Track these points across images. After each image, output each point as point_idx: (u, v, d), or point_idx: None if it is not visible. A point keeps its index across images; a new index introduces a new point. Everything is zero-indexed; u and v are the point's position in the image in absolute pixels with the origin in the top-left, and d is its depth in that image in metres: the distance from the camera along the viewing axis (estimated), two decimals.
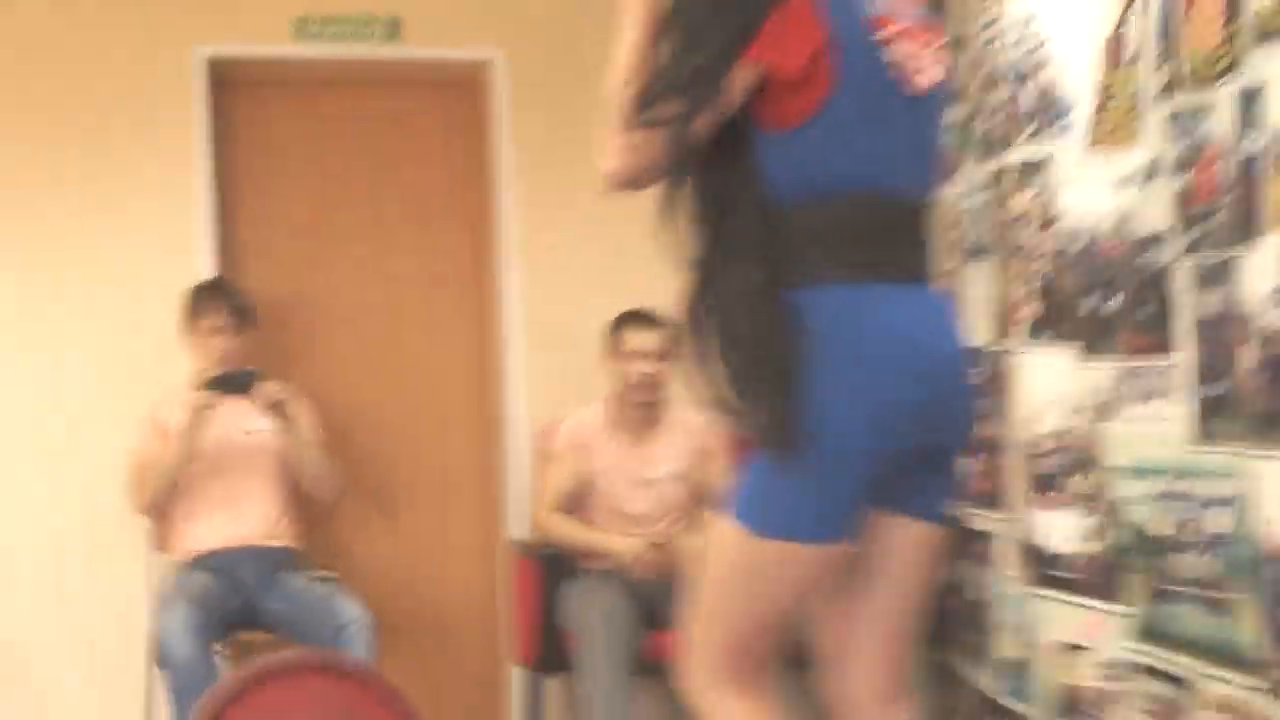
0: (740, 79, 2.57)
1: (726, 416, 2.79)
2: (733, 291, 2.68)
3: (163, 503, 5.30)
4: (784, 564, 2.71)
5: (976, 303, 5.33)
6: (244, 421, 5.35)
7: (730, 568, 2.75)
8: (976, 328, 5.31)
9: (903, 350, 2.71)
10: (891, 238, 2.72)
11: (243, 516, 5.33)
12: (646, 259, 5.57)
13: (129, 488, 5.28)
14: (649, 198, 5.55)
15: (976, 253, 5.36)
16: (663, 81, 2.60)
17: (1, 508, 5.65)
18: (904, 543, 2.87)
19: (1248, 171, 3.69)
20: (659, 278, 5.46)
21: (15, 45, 5.61)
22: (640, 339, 5.29)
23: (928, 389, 2.73)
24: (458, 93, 6.08)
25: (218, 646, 5.01)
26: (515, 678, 5.77)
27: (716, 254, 2.72)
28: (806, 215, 2.64)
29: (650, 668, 5.06)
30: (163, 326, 5.41)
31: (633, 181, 2.69)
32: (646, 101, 2.60)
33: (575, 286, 5.76)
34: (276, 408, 5.21)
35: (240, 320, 5.30)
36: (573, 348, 5.65)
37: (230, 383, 5.14)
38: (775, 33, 2.53)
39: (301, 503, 5.45)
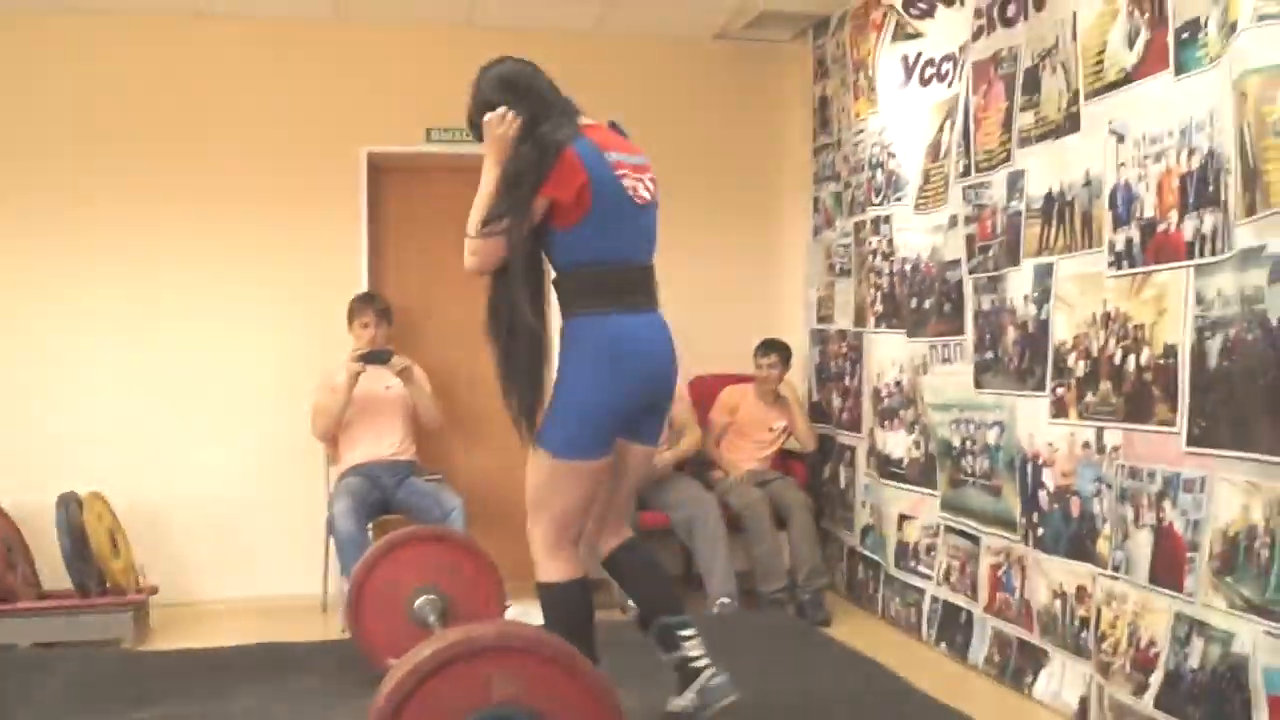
0: (540, 204, 2.94)
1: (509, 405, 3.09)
2: (523, 325, 2.99)
3: (331, 433, 5.36)
4: (577, 473, 2.96)
5: (845, 304, 5.49)
6: (382, 381, 5.32)
7: (548, 478, 2.96)
8: (844, 319, 5.51)
9: (637, 346, 3.06)
10: (629, 286, 3.05)
11: (382, 441, 5.36)
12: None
13: (312, 423, 5.36)
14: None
15: (844, 273, 5.50)
16: (497, 209, 2.94)
17: (232, 442, 5.67)
18: (635, 456, 3.18)
19: (1012, 223, 3.98)
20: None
21: (240, 140, 5.63)
22: None
23: (651, 367, 3.10)
24: None
25: (368, 525, 5.04)
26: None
27: (518, 302, 3.00)
28: (577, 276, 3.00)
29: (641, 533, 5.25)
30: (334, 323, 5.45)
31: (484, 267, 2.98)
32: (489, 220, 2.94)
33: None
34: (404, 373, 5.34)
35: (382, 318, 5.41)
36: None
37: (374, 357, 5.27)
38: (557, 178, 2.91)
39: (419, 432, 5.56)
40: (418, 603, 3.90)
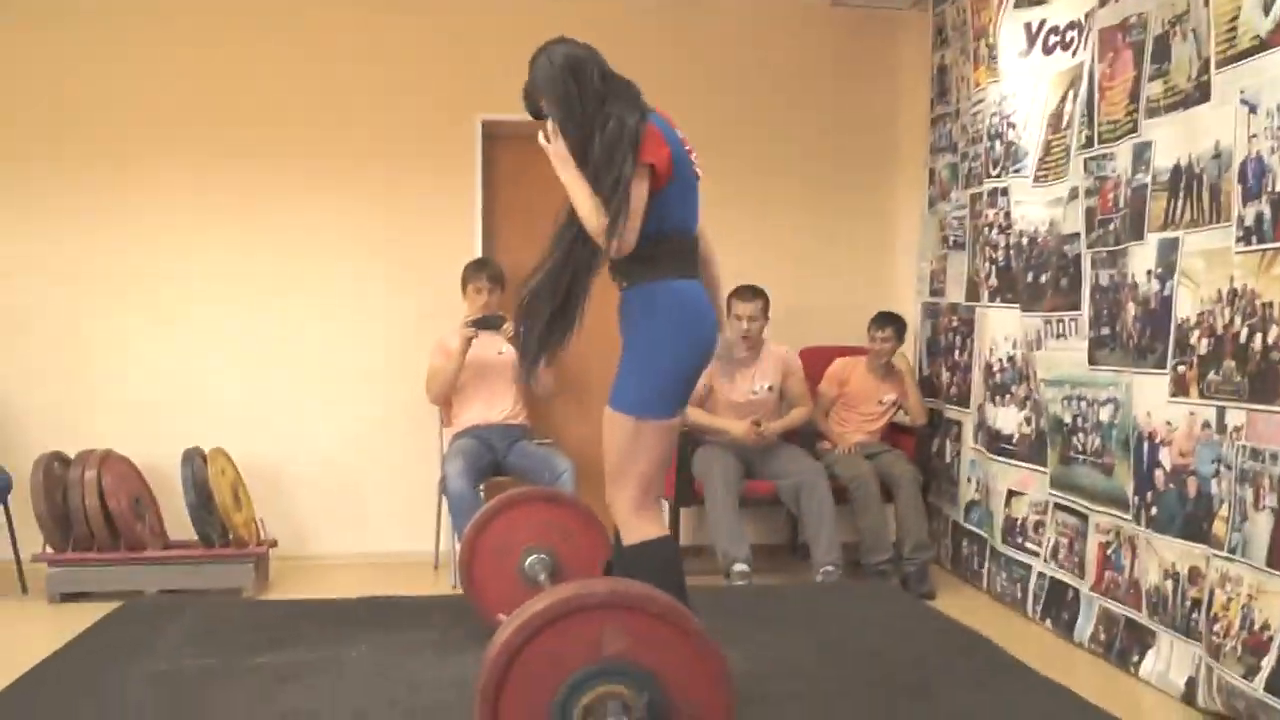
0: (643, 172, 2.93)
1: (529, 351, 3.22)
2: (583, 288, 3.15)
3: (445, 396, 5.43)
4: (659, 432, 2.97)
5: (958, 276, 5.44)
6: (495, 347, 5.35)
7: (632, 440, 2.95)
8: (956, 292, 5.46)
9: (707, 312, 3.08)
10: (694, 255, 3.12)
11: (494, 405, 5.42)
12: (748, 256, 5.77)
13: (426, 386, 5.42)
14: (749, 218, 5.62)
15: (957, 246, 5.44)
16: (615, 193, 2.91)
17: (349, 404, 5.79)
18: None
19: (1136, 196, 3.90)
20: (754, 266, 5.73)
21: (357, 108, 5.72)
22: (743, 305, 5.33)
23: (713, 333, 3.09)
24: None
25: (480, 486, 5.12)
26: (664, 507, 5.51)
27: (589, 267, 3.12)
28: (659, 244, 2.99)
29: (749, 502, 5.28)
30: (449, 289, 5.53)
31: (631, 245, 2.93)
32: (614, 206, 2.91)
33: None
34: (515, 338, 5.36)
35: (495, 284, 5.49)
36: None
37: (486, 322, 5.31)
38: (649, 147, 2.93)
39: (530, 397, 5.67)
40: (528, 561, 3.97)
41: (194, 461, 5.07)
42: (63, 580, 4.91)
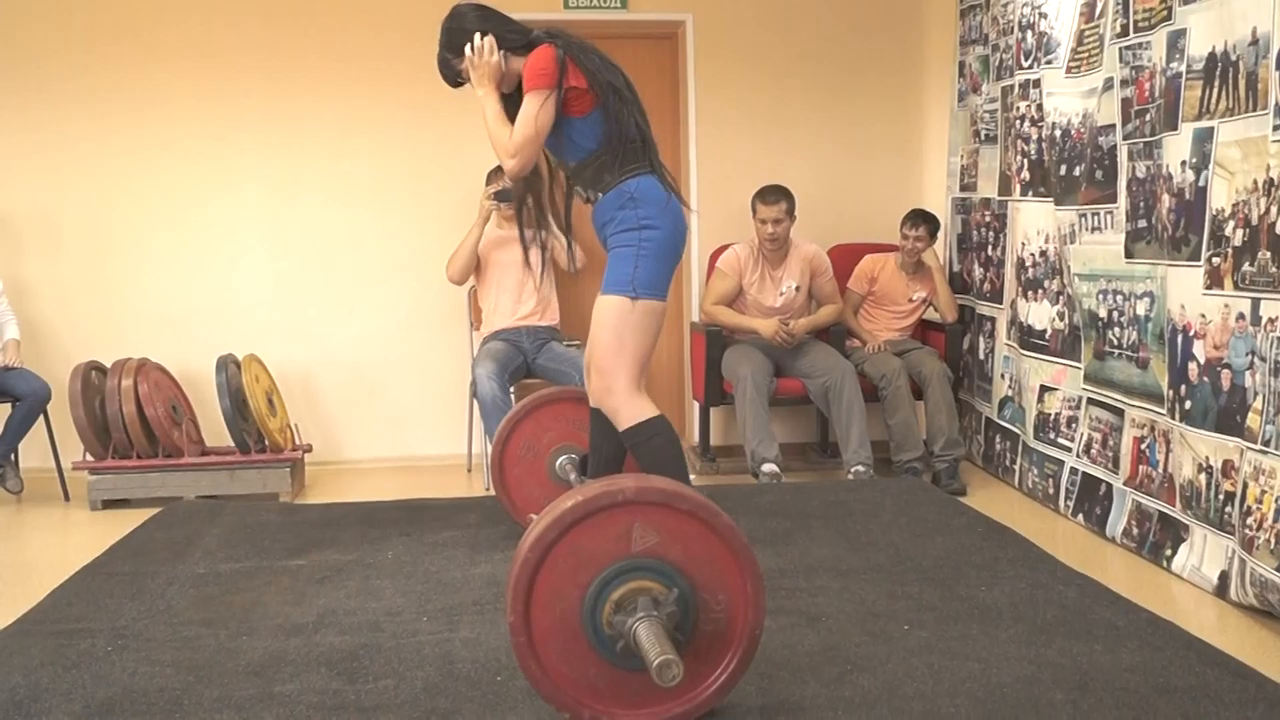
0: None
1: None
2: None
3: (465, 274, 5.41)
4: (653, 313, 3.08)
5: (989, 171, 5.34)
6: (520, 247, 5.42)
7: (626, 322, 3.03)
8: (988, 187, 5.36)
9: (676, 202, 3.16)
10: (650, 153, 3.19)
11: (521, 304, 5.40)
12: (774, 154, 5.71)
13: (448, 265, 5.40)
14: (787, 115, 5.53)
15: (989, 140, 5.34)
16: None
17: (378, 308, 5.81)
18: None
19: (1171, 85, 3.79)
20: (781, 165, 5.64)
21: (378, 11, 5.66)
22: (767, 209, 5.25)
23: (684, 219, 3.19)
24: (664, 42, 6.05)
25: (510, 388, 5.11)
26: (694, 408, 5.88)
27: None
28: (613, 149, 3.13)
29: (779, 401, 5.29)
30: (475, 190, 5.48)
31: (526, 168, 3.14)
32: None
33: (731, 170, 5.77)
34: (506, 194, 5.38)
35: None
36: (728, 204, 5.75)
37: (507, 194, 5.13)
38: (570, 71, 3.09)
39: (558, 296, 5.56)
40: (559, 461, 3.98)
41: (228, 368, 5.09)
42: (103, 487, 4.98)
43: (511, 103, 3.22)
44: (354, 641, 3.03)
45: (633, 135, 3.13)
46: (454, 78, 3.31)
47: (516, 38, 3.23)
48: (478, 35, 3.19)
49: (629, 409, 3.04)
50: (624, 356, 3.05)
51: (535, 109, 3.06)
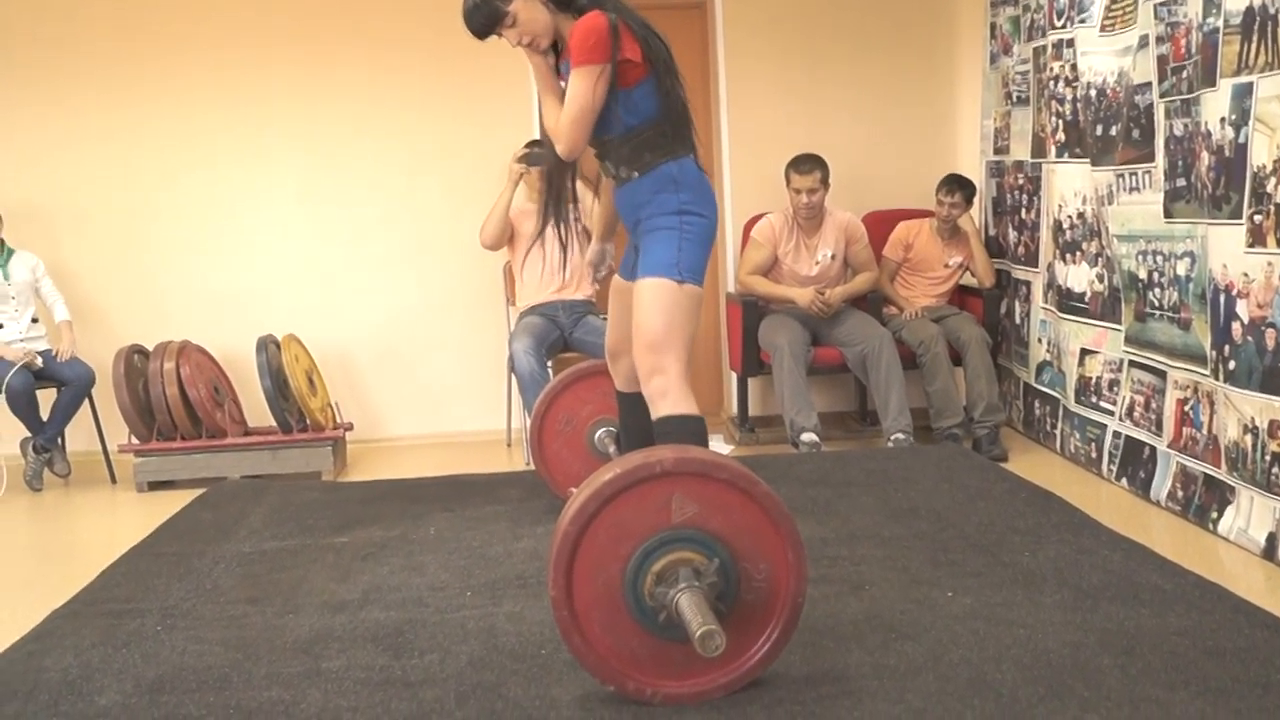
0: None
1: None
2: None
3: (497, 237, 5.35)
4: (696, 299, 2.88)
5: (1022, 133, 5.26)
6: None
7: (675, 308, 2.81)
8: (1021, 149, 5.27)
9: (710, 187, 3.00)
10: (689, 133, 3.00)
11: (555, 276, 5.34)
12: (806, 122, 5.67)
13: (480, 230, 5.35)
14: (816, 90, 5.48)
15: (1022, 101, 5.25)
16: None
17: (415, 286, 5.80)
18: None
19: (1209, 41, 3.71)
20: (813, 133, 5.58)
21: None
22: (801, 179, 5.19)
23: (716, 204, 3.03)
24: (694, 12, 6.01)
25: (548, 362, 5.12)
26: (732, 379, 5.87)
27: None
28: (660, 127, 2.91)
29: (817, 370, 5.26)
30: (500, 166, 5.45)
31: (579, 149, 2.91)
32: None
33: (763, 138, 5.71)
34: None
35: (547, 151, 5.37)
36: (761, 173, 5.68)
37: (535, 157, 5.19)
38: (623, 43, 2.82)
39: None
40: (598, 434, 3.97)
41: (268, 349, 5.11)
42: (149, 469, 5.02)
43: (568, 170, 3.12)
44: (399, 617, 3.03)
45: (680, 112, 2.94)
46: (490, 25, 2.95)
47: None
48: None
49: (677, 396, 2.77)
50: (673, 344, 2.80)
51: (588, 87, 2.80)
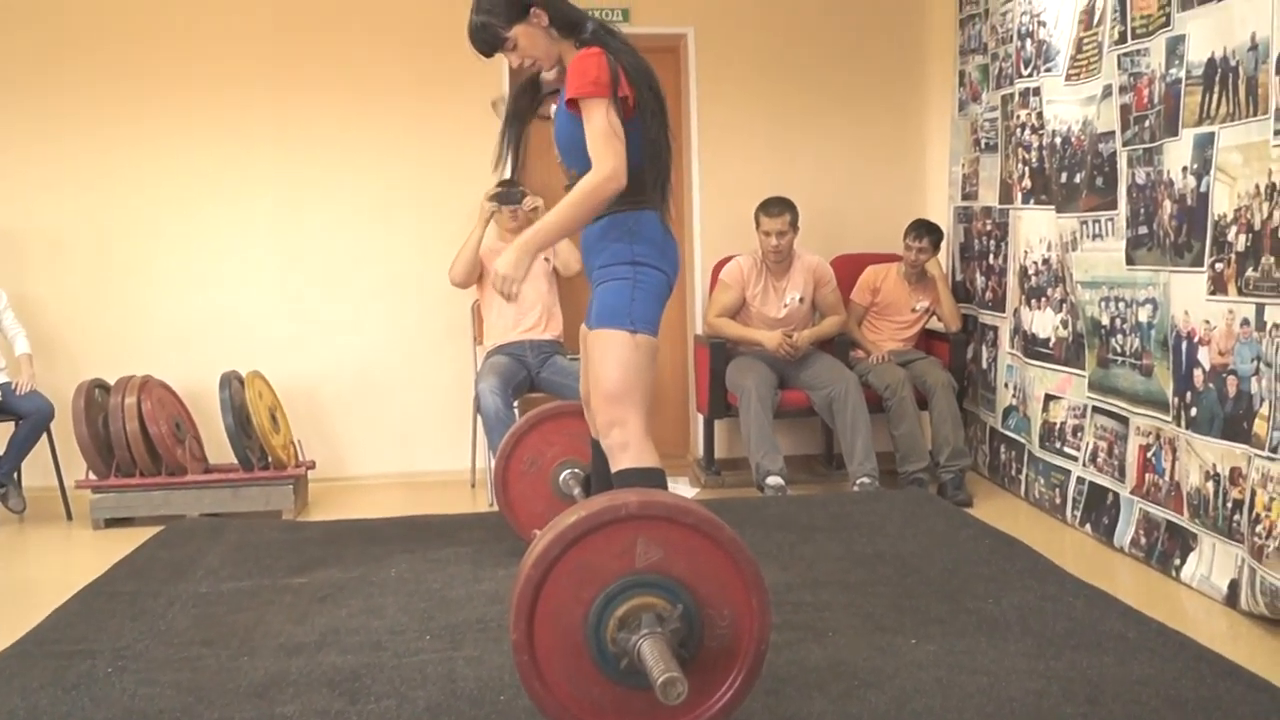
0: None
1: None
2: None
3: (466, 275, 5.32)
4: (652, 350, 2.82)
5: (990, 179, 5.31)
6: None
7: (633, 359, 2.75)
8: (989, 195, 5.32)
9: (672, 240, 2.93)
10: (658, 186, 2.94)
11: (524, 317, 5.36)
12: (776, 165, 5.71)
13: (450, 268, 5.33)
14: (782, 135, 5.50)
15: (989, 148, 5.30)
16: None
17: (381, 324, 5.76)
18: None
19: (1171, 91, 3.76)
20: (784, 176, 5.61)
21: (383, 29, 5.62)
22: (771, 221, 5.20)
23: (678, 256, 2.95)
24: (666, 55, 6.00)
25: (514, 402, 5.08)
26: (698, 420, 5.85)
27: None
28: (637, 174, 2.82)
29: (783, 413, 5.24)
30: (478, 207, 5.36)
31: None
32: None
33: (733, 180, 5.72)
34: (535, 213, 5.27)
35: (522, 194, 5.37)
36: (731, 215, 5.69)
37: (506, 196, 5.27)
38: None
39: (560, 312, 5.53)
40: (562, 476, 3.94)
41: (231, 385, 5.06)
42: (106, 506, 4.95)
43: (532, 91, 3.08)
44: (356, 661, 2.99)
45: (658, 164, 2.89)
46: (494, 46, 2.93)
47: (570, 13, 2.94)
48: (532, 7, 2.88)
49: (637, 449, 2.73)
50: (632, 397, 2.75)
51: (601, 114, 2.73)
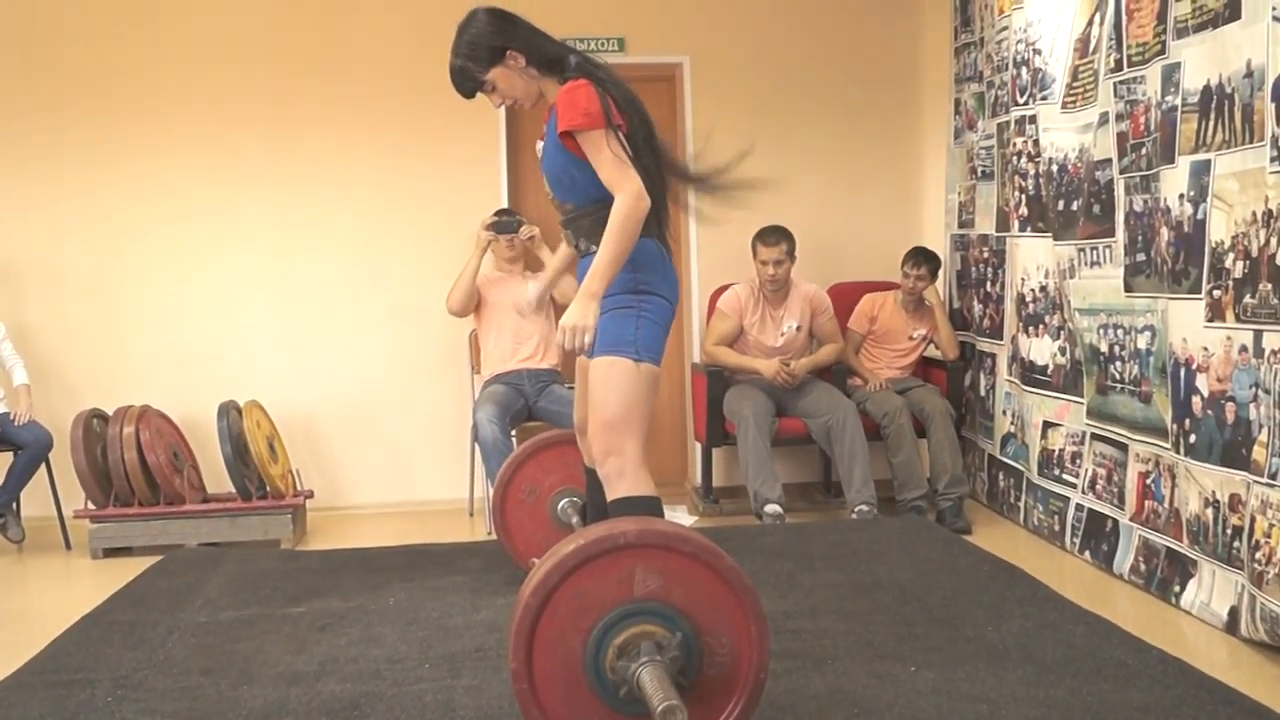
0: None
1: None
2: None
3: (464, 303, 5.32)
4: (654, 379, 2.80)
5: (987, 207, 5.32)
6: (521, 287, 5.11)
7: (635, 387, 2.75)
8: (985, 223, 5.34)
9: (672, 267, 2.95)
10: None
11: (521, 346, 5.36)
12: (773, 194, 5.72)
13: (447, 297, 5.33)
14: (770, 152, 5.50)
15: (986, 176, 5.32)
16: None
17: (379, 354, 5.76)
18: None
19: (1167, 119, 3.78)
20: (780, 204, 5.63)
21: (379, 57, 5.65)
22: (768, 251, 5.23)
23: (677, 284, 2.96)
24: (662, 84, 6.03)
25: (512, 431, 5.08)
26: (696, 449, 5.82)
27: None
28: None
29: (781, 441, 5.23)
30: (468, 234, 5.44)
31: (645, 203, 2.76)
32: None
33: (729, 209, 5.78)
34: (532, 241, 5.36)
35: (519, 223, 5.40)
36: (728, 244, 5.65)
37: (503, 226, 5.29)
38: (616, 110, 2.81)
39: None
40: (560, 505, 3.95)
41: (229, 415, 5.06)
42: (105, 536, 4.94)
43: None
44: (355, 690, 2.98)
45: (654, 186, 2.86)
46: (473, 90, 2.97)
47: (549, 51, 2.94)
48: (507, 50, 2.91)
49: (633, 478, 2.72)
50: (630, 424, 2.74)
51: (601, 146, 2.75)
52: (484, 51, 2.91)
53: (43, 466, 5.12)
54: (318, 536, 5.24)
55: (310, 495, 5.33)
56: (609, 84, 2.87)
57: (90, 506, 4.96)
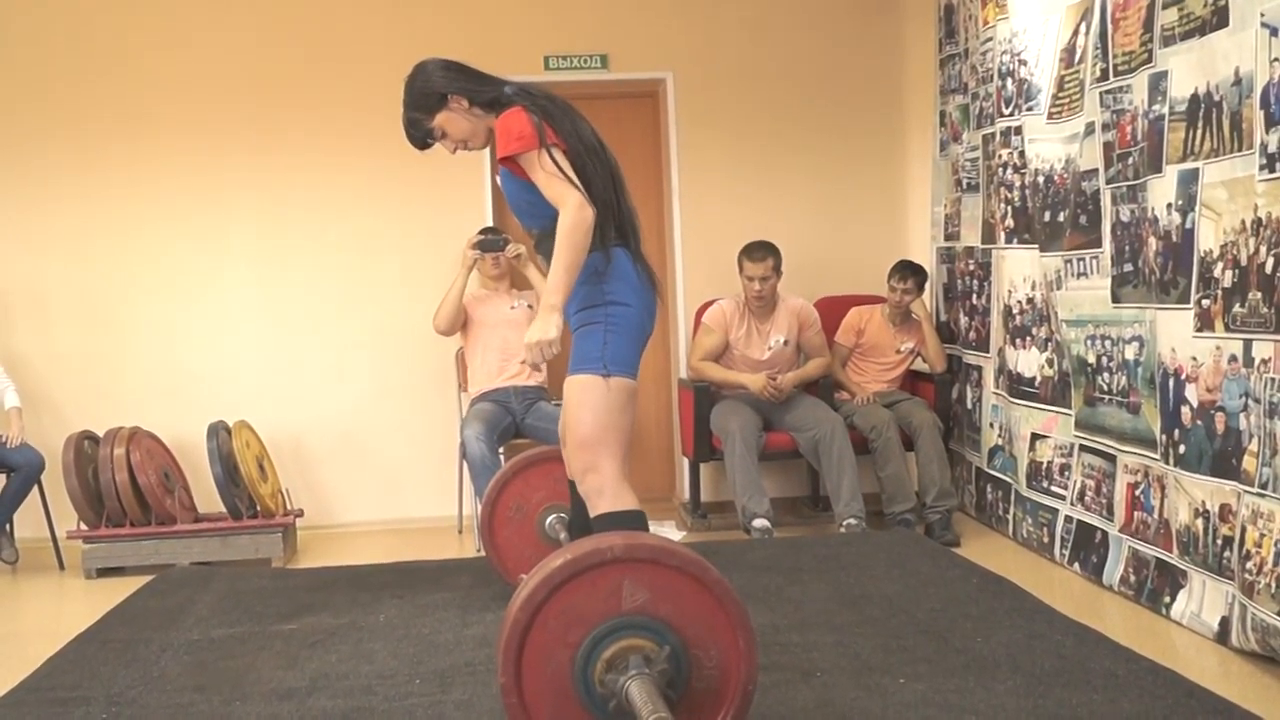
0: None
1: None
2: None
3: (450, 322, 5.30)
4: (630, 393, 2.79)
5: (973, 219, 5.31)
6: (506, 305, 5.38)
7: (610, 403, 2.75)
8: (971, 236, 5.33)
9: (647, 279, 2.93)
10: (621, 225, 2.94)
11: (509, 364, 5.34)
12: (758, 209, 5.74)
13: (434, 316, 5.31)
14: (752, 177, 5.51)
15: (971, 188, 5.31)
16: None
17: (367, 372, 5.76)
18: None
19: (1154, 128, 3.76)
20: (765, 219, 5.63)
21: (365, 76, 5.61)
22: (754, 266, 5.20)
23: (655, 295, 2.96)
24: (645, 100, 6.07)
25: (499, 448, 5.09)
26: (684, 464, 5.81)
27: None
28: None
29: (768, 455, 5.22)
30: (460, 255, 5.38)
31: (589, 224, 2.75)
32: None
33: (715, 225, 5.72)
34: (518, 259, 5.34)
35: (504, 242, 5.39)
36: (713, 259, 5.69)
37: (489, 244, 5.29)
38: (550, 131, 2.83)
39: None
40: (548, 521, 3.93)
41: (218, 435, 5.04)
42: (97, 556, 4.93)
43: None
44: (347, 705, 2.96)
45: (605, 202, 2.85)
46: (423, 139, 3.06)
47: (488, 92, 2.99)
48: (449, 95, 2.98)
49: (613, 494, 2.72)
50: (607, 441, 2.74)
51: (540, 165, 2.77)
52: (428, 100, 3.00)
53: (35, 488, 5.10)
54: (308, 555, 5.21)
55: (300, 514, 5.31)
56: (546, 105, 2.89)
57: (83, 527, 4.95)
